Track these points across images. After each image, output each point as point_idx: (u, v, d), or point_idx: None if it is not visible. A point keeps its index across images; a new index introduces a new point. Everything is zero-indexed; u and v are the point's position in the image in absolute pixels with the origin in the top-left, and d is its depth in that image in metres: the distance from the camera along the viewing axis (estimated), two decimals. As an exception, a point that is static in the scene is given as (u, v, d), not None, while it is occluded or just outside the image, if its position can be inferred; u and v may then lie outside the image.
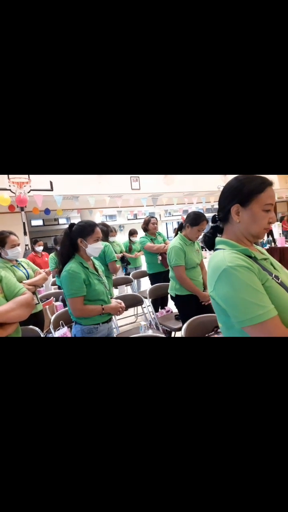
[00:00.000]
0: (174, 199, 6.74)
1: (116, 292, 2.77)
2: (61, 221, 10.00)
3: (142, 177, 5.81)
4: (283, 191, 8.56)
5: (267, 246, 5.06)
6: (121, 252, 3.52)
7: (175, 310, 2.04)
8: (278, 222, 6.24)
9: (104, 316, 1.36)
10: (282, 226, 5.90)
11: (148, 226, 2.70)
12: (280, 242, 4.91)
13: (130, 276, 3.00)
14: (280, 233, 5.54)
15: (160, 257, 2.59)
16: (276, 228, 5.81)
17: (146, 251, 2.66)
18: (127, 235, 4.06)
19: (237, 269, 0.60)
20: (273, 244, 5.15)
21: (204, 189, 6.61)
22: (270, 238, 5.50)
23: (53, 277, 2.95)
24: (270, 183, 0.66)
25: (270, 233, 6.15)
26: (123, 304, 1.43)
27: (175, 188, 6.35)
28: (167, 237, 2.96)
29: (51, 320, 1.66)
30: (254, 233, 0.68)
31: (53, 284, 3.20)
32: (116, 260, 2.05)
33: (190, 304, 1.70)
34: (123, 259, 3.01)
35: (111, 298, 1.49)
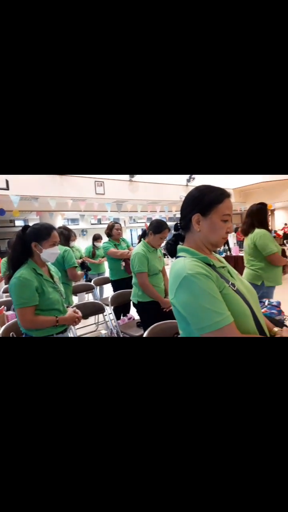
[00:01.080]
0: (138, 206, 6.82)
1: (75, 299, 2.63)
2: (18, 223, 9.29)
3: (107, 182, 5.76)
4: (238, 204, 9.36)
5: (224, 255, 5.43)
6: (80, 258, 3.38)
7: (137, 317, 2.01)
8: (233, 233, 6.79)
9: (58, 327, 1.26)
10: (236, 236, 6.43)
11: (112, 231, 2.65)
12: (235, 251, 5.33)
13: (92, 283, 2.89)
14: (234, 243, 6.02)
15: (123, 263, 2.55)
16: (231, 238, 6.30)
17: (109, 257, 2.60)
18: (90, 240, 3.94)
19: (197, 276, 0.61)
20: (228, 252, 5.55)
21: (167, 198, 6.84)
22: (227, 247, 5.93)
23: (6, 283, 2.68)
24: (228, 195, 0.69)
25: (226, 242, 6.63)
26: (80, 314, 1.35)
27: (139, 195, 6.44)
28: (131, 244, 2.94)
29: (0, 332, 1.48)
30: (213, 242, 0.70)
31: (5, 291, 2.90)
32: (76, 266, 1.95)
33: (152, 311, 1.69)
34: (83, 265, 2.89)
35: (68, 307, 1.39)
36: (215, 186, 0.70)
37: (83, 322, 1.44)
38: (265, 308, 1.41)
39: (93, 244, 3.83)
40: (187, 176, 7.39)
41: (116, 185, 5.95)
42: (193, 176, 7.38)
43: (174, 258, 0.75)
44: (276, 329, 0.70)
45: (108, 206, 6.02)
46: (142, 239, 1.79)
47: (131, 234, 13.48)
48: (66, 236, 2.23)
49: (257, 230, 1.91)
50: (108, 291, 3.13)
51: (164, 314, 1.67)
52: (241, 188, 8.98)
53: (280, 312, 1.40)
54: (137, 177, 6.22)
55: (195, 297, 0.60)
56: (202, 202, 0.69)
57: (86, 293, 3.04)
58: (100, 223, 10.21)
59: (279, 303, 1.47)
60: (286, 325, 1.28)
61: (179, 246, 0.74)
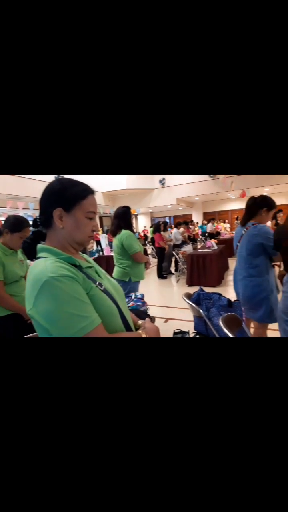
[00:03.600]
0: (-6, 200, 5.65)
1: None
2: None
3: None
4: (108, 207, 10.01)
5: (96, 255, 5.60)
6: None
7: (-7, 337, 1.61)
8: (105, 234, 7.17)
9: None
10: (108, 237, 6.84)
11: None
12: (106, 251, 5.63)
13: None
14: (106, 243, 6.37)
15: None
16: (104, 239, 6.63)
17: None
18: None
19: (61, 279, 0.54)
20: (101, 253, 5.79)
21: (32, 195, 6.12)
22: (99, 247, 6.17)
23: None
24: (92, 191, 0.66)
25: (99, 243, 6.89)
26: None
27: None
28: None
29: None
30: (79, 240, 0.65)
31: None
32: None
33: (12, 326, 1.41)
34: None
35: None
36: (78, 181, 0.65)
37: None
38: (132, 302, 1.55)
39: None
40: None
41: None
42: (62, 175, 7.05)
43: (34, 259, 0.63)
44: (140, 321, 0.75)
45: None
46: (-5, 239, 1.44)
47: (-13, 234, 10.98)
48: None
49: (123, 231, 2.08)
50: None
51: (28, 326, 1.43)
52: (109, 192, 9.68)
53: (144, 303, 1.59)
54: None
55: (59, 304, 0.53)
56: (64, 196, 0.62)
57: None
58: None
59: (142, 296, 1.67)
60: (149, 315, 1.46)
61: (39, 246, 0.64)
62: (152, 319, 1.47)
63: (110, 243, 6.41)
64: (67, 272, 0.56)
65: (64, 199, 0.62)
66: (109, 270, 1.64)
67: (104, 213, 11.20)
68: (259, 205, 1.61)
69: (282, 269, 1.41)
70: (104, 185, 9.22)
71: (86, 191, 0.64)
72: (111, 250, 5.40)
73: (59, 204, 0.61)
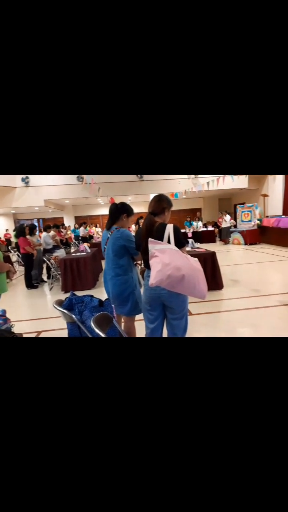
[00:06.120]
0: None
1: None
2: None
3: None
4: None
5: None
6: None
7: None
8: None
9: None
10: None
11: None
12: None
13: None
14: None
15: None
16: None
17: None
18: None
19: None
20: None
21: None
22: None
23: None
24: None
25: None
26: None
27: None
28: None
29: None
30: None
31: None
32: None
33: None
34: None
35: None
36: None
37: None
38: (-12, 322, 1.27)
39: None
40: None
41: None
42: None
43: None
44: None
45: None
46: None
47: None
48: None
49: (-29, 236, 1.67)
50: None
51: None
52: None
53: (6, 320, 1.35)
54: None
55: None
56: None
57: None
58: None
59: (4, 312, 1.41)
60: (13, 333, 1.26)
61: None
62: (18, 336, 1.29)
63: None
64: None
65: None
66: None
67: None
68: (120, 211, 1.80)
69: (142, 266, 1.65)
70: None
71: None
72: None
73: None
